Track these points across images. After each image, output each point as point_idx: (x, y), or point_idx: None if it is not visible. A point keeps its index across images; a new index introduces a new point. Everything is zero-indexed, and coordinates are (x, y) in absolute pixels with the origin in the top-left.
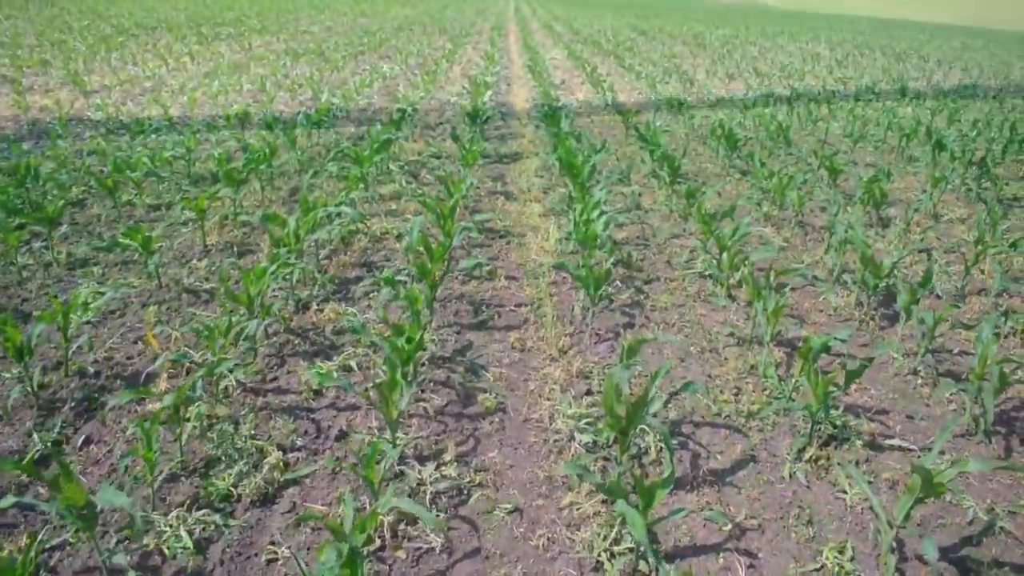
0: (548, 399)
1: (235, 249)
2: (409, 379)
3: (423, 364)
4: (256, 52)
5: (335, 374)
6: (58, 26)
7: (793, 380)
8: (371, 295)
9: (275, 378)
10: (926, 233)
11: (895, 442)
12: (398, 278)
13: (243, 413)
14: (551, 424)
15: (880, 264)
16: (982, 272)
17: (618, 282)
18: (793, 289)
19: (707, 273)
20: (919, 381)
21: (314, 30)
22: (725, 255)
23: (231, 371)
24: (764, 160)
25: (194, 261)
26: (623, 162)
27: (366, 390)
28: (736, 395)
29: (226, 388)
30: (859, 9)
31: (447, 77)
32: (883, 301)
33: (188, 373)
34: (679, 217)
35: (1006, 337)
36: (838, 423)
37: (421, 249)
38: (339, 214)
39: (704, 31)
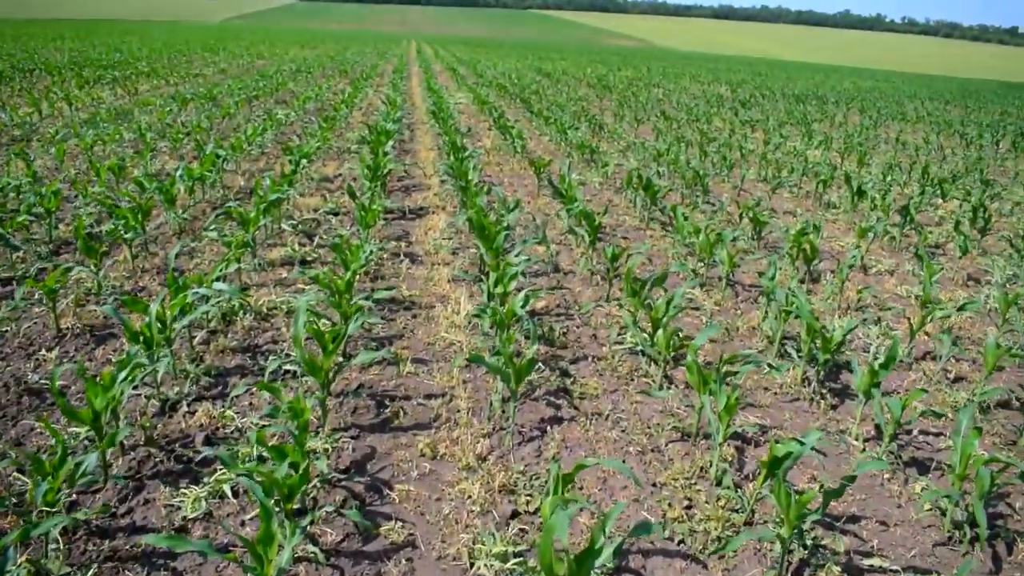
0: (467, 528)
1: (94, 335)
2: (295, 514)
3: (313, 485)
4: (142, 97)
5: (203, 503)
6: None
7: (753, 489)
8: (253, 392)
9: (129, 511)
10: (862, 293)
11: (875, 562)
12: (287, 366)
13: (82, 568)
14: (472, 568)
15: (830, 337)
16: (927, 335)
17: (540, 364)
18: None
19: (639, 349)
20: (886, 475)
21: (207, 72)
22: (660, 333)
23: (62, 525)
24: (686, 213)
25: (43, 352)
26: (537, 217)
27: (242, 528)
28: (688, 509)
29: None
30: (752, 51)
31: (347, 123)
32: (830, 374)
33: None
34: (601, 279)
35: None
36: (809, 542)
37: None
38: (214, 293)
39: (607, 73)
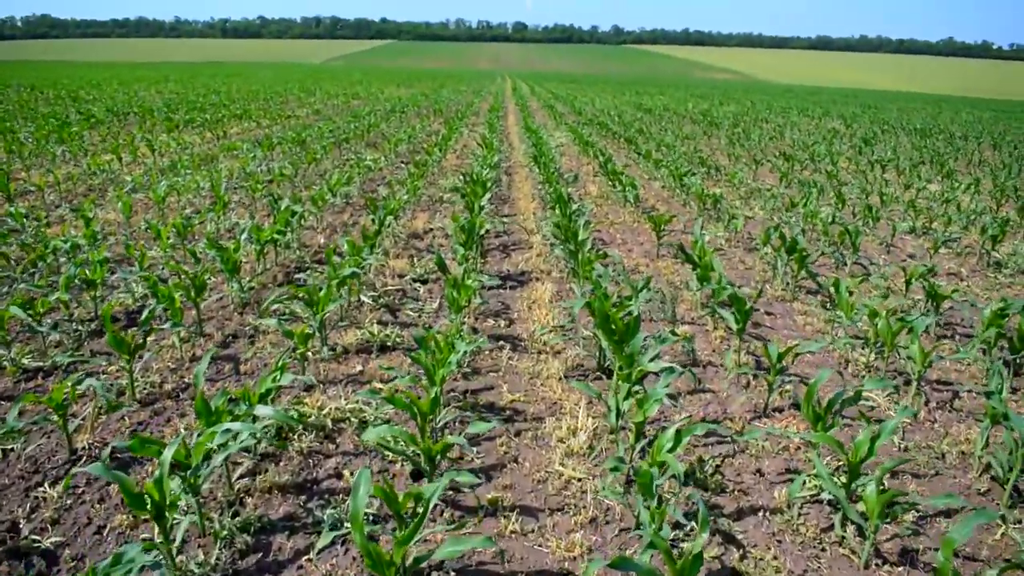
0: None
1: (117, 457)
2: None
3: None
4: (230, 141)
5: None
6: (18, 112)
7: None
8: (308, 555)
9: None
10: None
11: None
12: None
13: None
14: None
15: None
16: None
17: (682, 516)
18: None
19: (827, 499)
20: None
21: (300, 114)
22: (867, 489)
23: None
24: (850, 286)
25: (46, 486)
26: (661, 287)
27: None
28: None
29: None
30: (853, 82)
31: (440, 167)
32: None
33: None
34: (752, 378)
35: None
36: None
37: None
38: (253, 420)
39: (710, 108)
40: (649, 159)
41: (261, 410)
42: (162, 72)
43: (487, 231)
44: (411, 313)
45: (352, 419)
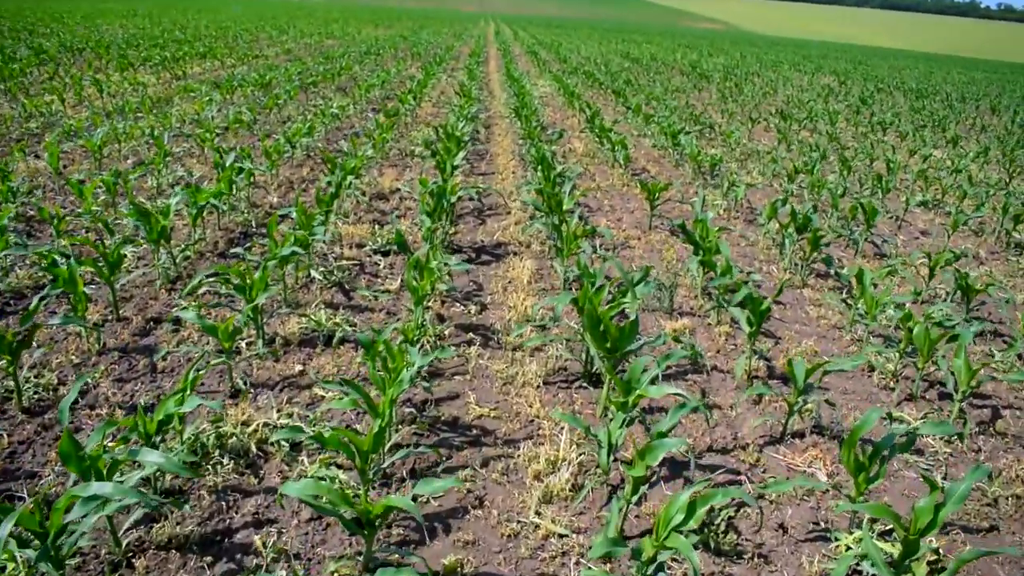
0: None
1: None
2: None
3: None
4: (188, 82)
5: None
6: None
7: None
8: None
9: None
10: None
11: None
12: None
13: None
14: None
15: None
16: None
17: None
18: None
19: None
20: None
21: (269, 53)
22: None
23: None
24: (875, 278)
25: None
26: (656, 272)
27: None
28: None
29: None
30: (841, 37)
31: (414, 117)
32: None
33: None
34: (766, 386)
35: None
36: None
37: None
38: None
39: (699, 59)
40: (639, 113)
41: (148, 456)
42: (130, 5)
43: (459, 197)
44: (368, 295)
45: (283, 442)
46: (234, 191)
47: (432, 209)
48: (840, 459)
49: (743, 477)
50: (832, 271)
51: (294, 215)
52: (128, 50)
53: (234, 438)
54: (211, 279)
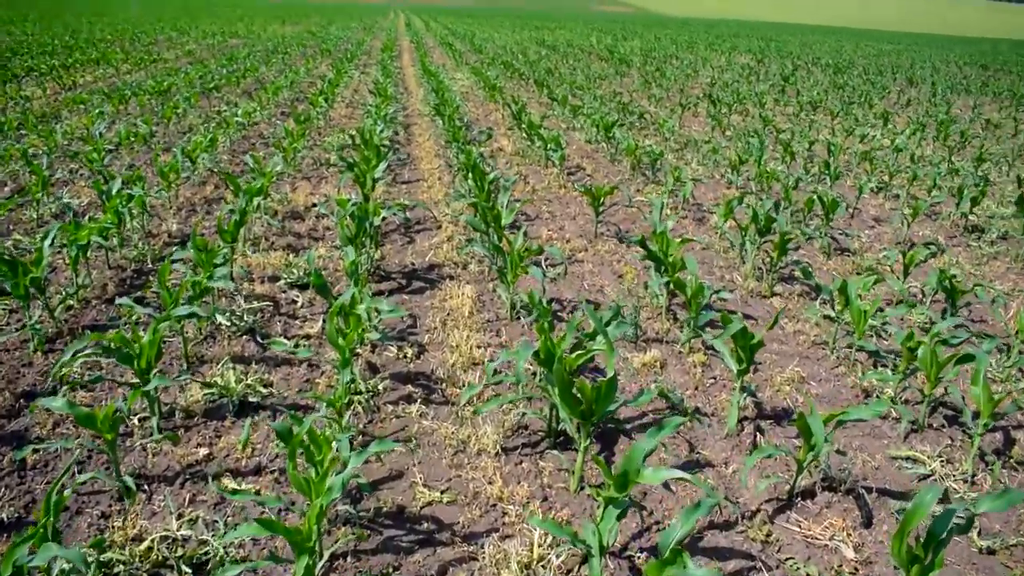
0: None
1: None
2: None
3: None
4: (77, 93)
5: None
6: None
7: None
8: None
9: None
10: None
11: None
12: None
13: None
14: None
15: None
16: None
17: None
18: None
19: None
20: None
21: (169, 57)
22: None
23: None
24: (846, 283)
25: None
26: (615, 291)
27: None
28: None
29: None
30: (743, 14)
31: (327, 120)
32: None
33: None
34: (758, 435)
35: None
36: None
37: None
38: None
39: (615, 44)
40: (565, 105)
41: None
42: (21, 10)
43: (383, 218)
44: (286, 347)
45: (185, 566)
46: (126, 221)
47: (354, 234)
48: (861, 522)
49: (757, 563)
50: (817, 286)
51: (191, 254)
52: (14, 58)
53: (121, 567)
54: (85, 352)
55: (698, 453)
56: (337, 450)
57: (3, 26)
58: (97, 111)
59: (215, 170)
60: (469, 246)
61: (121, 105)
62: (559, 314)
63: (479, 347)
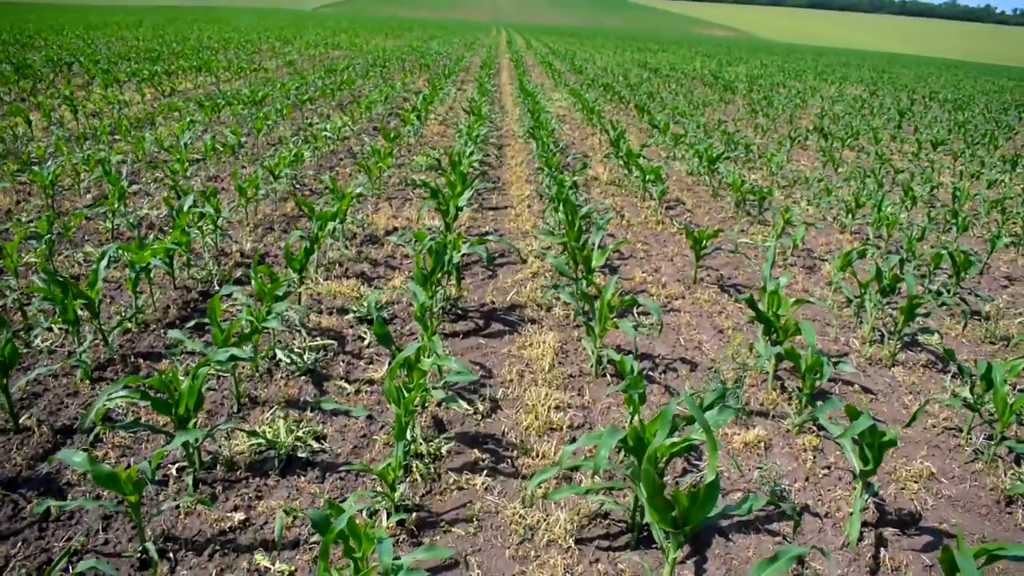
0: None
1: None
2: None
3: None
4: (174, 100)
5: None
6: None
7: None
8: None
9: None
10: None
11: None
12: None
13: None
14: None
15: None
16: None
17: None
18: None
19: None
20: None
21: (270, 67)
22: None
23: None
24: (990, 365)
25: None
26: (716, 355)
27: None
28: None
29: None
30: (858, 43)
31: (418, 138)
32: None
33: None
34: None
35: None
36: None
37: None
38: None
39: (719, 69)
40: (666, 133)
41: None
42: (138, 16)
43: (463, 255)
44: (346, 385)
45: None
46: (199, 236)
47: (430, 271)
48: None
49: None
50: (958, 368)
51: (253, 286)
52: (120, 63)
53: None
54: (120, 396)
55: (808, 567)
56: (377, 553)
57: (119, 31)
58: (188, 119)
59: (292, 192)
60: (555, 290)
61: (214, 114)
62: (650, 373)
63: (558, 408)
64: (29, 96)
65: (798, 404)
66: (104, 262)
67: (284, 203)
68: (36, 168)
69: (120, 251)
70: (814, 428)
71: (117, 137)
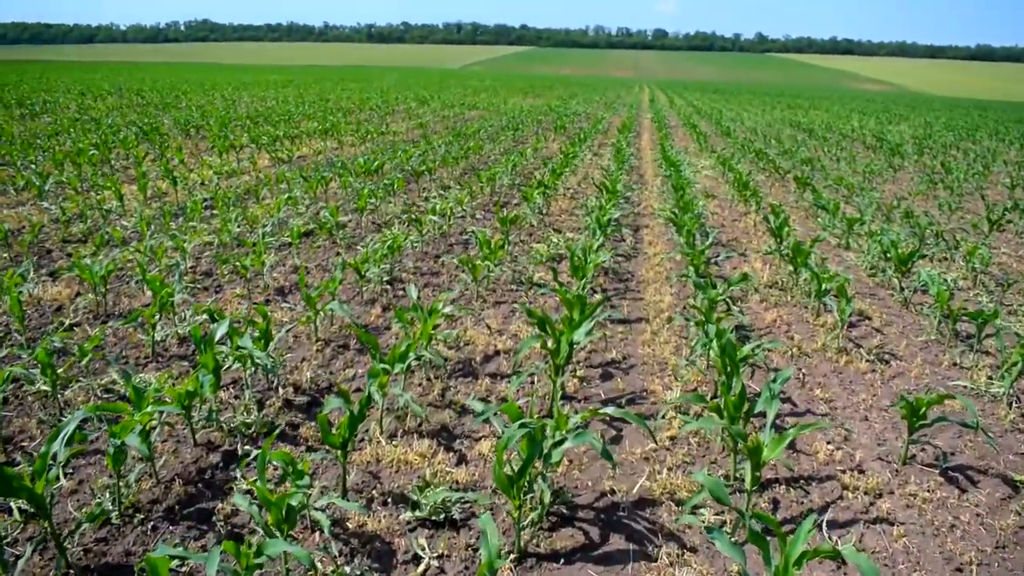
0: None
1: None
2: None
3: None
4: (284, 169)
5: None
6: (74, 125)
7: None
8: None
9: None
10: None
11: None
12: None
13: None
14: None
15: None
16: None
17: None
18: None
19: None
20: None
21: (399, 129)
22: None
23: None
24: None
25: None
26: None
27: None
28: None
29: None
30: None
31: (542, 219)
32: None
33: None
34: None
35: None
36: None
37: None
38: None
39: (880, 129)
40: (836, 215)
41: None
42: (287, 76)
43: (564, 443)
44: None
45: None
46: (240, 366)
47: (517, 473)
48: None
49: None
50: None
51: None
52: (248, 124)
53: None
54: None
55: None
56: None
57: (263, 89)
58: (286, 196)
59: (401, 275)
60: (705, 529)
61: (319, 188)
62: None
63: None
64: (139, 163)
65: None
66: (59, 442)
67: (371, 306)
68: (87, 261)
69: (96, 413)
70: None
71: (214, 212)
